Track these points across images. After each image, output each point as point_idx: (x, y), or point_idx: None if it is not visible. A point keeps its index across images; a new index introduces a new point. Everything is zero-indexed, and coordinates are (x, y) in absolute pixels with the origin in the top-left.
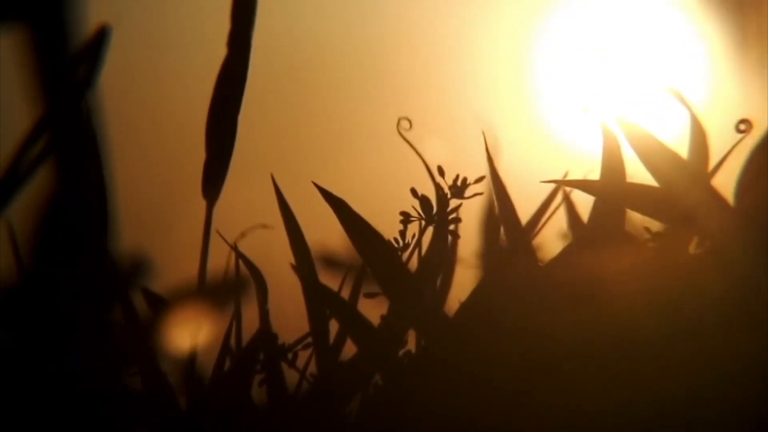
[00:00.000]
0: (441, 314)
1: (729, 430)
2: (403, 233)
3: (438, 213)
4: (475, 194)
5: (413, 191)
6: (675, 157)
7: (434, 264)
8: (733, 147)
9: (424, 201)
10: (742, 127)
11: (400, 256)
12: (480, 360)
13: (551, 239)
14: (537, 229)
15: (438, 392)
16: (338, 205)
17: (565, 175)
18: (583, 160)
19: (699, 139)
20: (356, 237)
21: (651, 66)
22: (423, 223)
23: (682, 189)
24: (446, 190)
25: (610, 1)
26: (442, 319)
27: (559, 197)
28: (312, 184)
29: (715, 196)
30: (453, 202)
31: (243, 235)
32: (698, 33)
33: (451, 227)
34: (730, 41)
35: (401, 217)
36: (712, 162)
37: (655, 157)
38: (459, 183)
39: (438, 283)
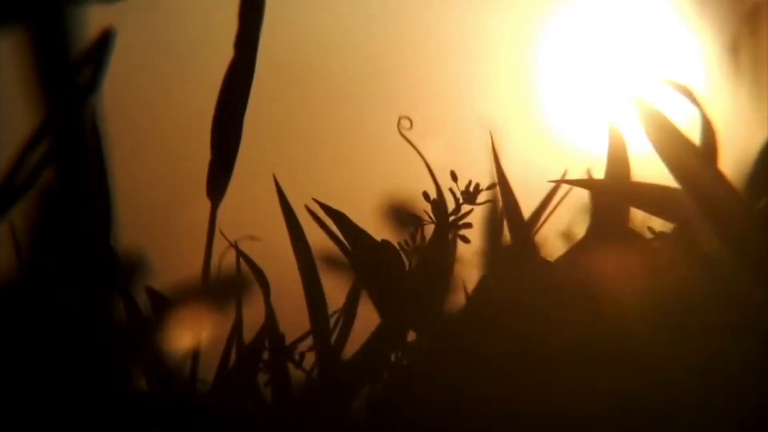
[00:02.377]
0: (442, 315)
1: (731, 429)
2: (413, 236)
3: (445, 216)
4: (487, 201)
5: (425, 195)
6: (689, 141)
7: (436, 266)
8: (759, 158)
9: (435, 205)
10: None
11: (401, 269)
12: (482, 358)
13: (552, 237)
14: (538, 226)
15: (441, 390)
16: (339, 219)
17: (565, 173)
18: (585, 157)
19: (709, 136)
20: (355, 249)
21: (655, 65)
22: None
23: (694, 176)
24: (456, 193)
25: (610, 1)
26: (443, 318)
27: (559, 196)
28: (314, 185)
29: (727, 186)
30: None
31: (246, 236)
32: (696, 34)
33: (461, 231)
34: (725, 44)
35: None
36: (724, 161)
37: (668, 140)
38: (471, 189)
39: (438, 284)
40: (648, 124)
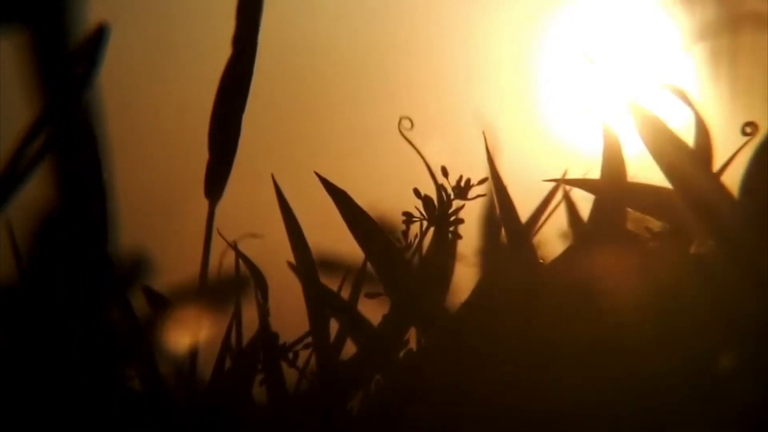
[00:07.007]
0: (442, 312)
1: (728, 428)
2: (405, 233)
3: (440, 213)
4: (478, 196)
5: (416, 191)
6: (683, 144)
7: (435, 263)
8: (739, 149)
9: (426, 201)
10: (748, 129)
11: (401, 249)
12: (480, 358)
13: (551, 238)
14: (537, 227)
15: (438, 390)
16: (340, 197)
17: (565, 174)
18: (583, 158)
19: (703, 137)
20: (357, 228)
21: (650, 66)
22: (425, 223)
23: (688, 179)
24: (449, 190)
25: (608, 3)
26: (443, 317)
27: (558, 196)
28: (313, 185)
29: (722, 189)
30: (455, 203)
31: (244, 236)
32: (692, 35)
33: (453, 228)
34: (723, 42)
35: (403, 217)
36: (717, 162)
37: (663, 144)
38: (462, 184)
39: (439, 281)
40: (642, 127)
